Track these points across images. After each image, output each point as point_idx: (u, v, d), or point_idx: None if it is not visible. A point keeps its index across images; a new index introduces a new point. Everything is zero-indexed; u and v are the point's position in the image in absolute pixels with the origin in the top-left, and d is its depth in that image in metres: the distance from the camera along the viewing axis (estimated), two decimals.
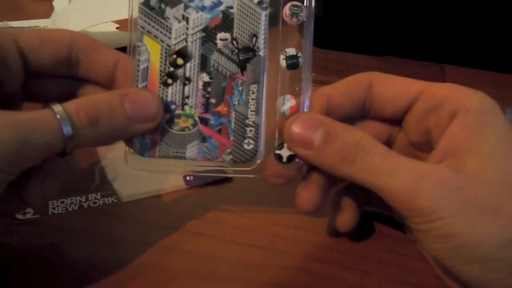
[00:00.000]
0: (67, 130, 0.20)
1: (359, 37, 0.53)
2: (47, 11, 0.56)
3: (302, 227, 0.30)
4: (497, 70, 0.51)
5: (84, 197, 0.32)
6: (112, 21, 0.61)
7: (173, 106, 0.23)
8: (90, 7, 0.50)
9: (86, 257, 0.28)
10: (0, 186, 0.20)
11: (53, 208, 0.31)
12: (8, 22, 0.57)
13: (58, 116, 0.20)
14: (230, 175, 0.34)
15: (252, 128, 0.23)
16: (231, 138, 0.23)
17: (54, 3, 0.53)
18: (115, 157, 0.36)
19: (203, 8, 0.23)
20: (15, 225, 0.30)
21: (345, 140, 0.22)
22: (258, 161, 0.24)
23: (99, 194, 0.32)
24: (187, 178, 0.34)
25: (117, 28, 0.60)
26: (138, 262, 0.28)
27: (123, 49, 0.58)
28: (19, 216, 0.30)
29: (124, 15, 0.53)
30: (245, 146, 0.23)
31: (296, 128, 0.23)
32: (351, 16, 0.53)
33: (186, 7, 0.23)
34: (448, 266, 0.22)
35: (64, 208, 0.31)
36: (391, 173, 0.21)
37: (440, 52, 0.52)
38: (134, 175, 0.34)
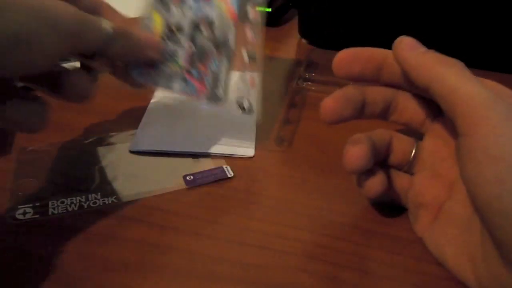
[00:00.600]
0: (108, 31, 0.28)
1: (359, 37, 0.53)
2: None
3: (302, 227, 0.30)
4: (497, 70, 0.51)
5: (84, 197, 0.32)
6: None
7: (166, 56, 0.33)
8: None
9: (86, 257, 0.28)
10: (54, 58, 0.26)
11: (53, 208, 0.31)
12: None
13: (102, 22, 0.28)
14: (230, 175, 0.34)
15: (223, 84, 0.33)
16: (207, 86, 0.33)
17: None
18: (115, 157, 0.36)
19: (195, 10, 0.34)
20: (15, 225, 0.30)
21: (443, 56, 0.27)
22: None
23: (99, 194, 0.32)
24: (187, 178, 0.34)
25: None
26: (138, 262, 0.28)
27: None
28: (19, 216, 0.30)
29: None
30: (217, 93, 0.33)
31: (404, 40, 0.28)
32: (351, 16, 0.53)
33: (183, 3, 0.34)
34: (491, 196, 0.22)
35: (64, 208, 0.31)
36: (476, 85, 0.24)
37: (440, 52, 0.52)
38: (134, 175, 0.34)
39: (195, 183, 0.33)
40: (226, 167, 0.35)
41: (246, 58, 0.35)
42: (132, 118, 0.41)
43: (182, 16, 0.34)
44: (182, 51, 0.33)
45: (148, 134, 0.38)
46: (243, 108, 0.33)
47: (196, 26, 0.34)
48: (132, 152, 0.37)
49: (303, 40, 0.58)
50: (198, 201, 0.32)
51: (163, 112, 0.41)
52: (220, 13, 0.35)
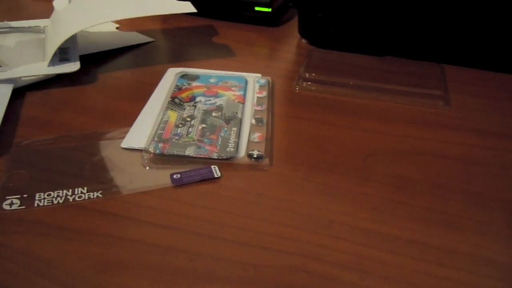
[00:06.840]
0: None
1: (359, 37, 0.53)
2: (47, 11, 0.56)
3: (302, 227, 0.30)
4: (497, 70, 0.51)
5: (70, 191, 0.33)
6: (112, 21, 0.61)
7: (181, 134, 0.38)
8: (90, 7, 0.50)
9: (85, 257, 0.28)
10: None
11: (39, 201, 0.32)
12: (8, 22, 0.57)
13: None
14: (217, 175, 0.34)
15: (232, 143, 0.37)
16: (218, 147, 0.37)
17: (54, 3, 0.53)
18: (107, 153, 0.36)
19: (205, 103, 0.43)
20: (14, 225, 0.30)
21: None
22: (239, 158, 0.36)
23: (85, 188, 0.33)
24: (174, 176, 0.34)
25: (117, 28, 0.60)
26: (138, 262, 0.28)
27: (123, 49, 0.58)
28: (6, 207, 0.31)
29: (124, 15, 0.53)
30: (227, 150, 0.37)
31: None
32: (351, 16, 0.53)
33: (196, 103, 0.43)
34: None
35: (50, 201, 0.32)
36: None
37: (440, 52, 0.52)
38: (122, 171, 0.35)
39: (181, 181, 0.34)
40: (214, 167, 0.35)
41: (254, 122, 0.41)
42: (128, 116, 0.41)
43: (194, 109, 0.42)
44: (195, 130, 0.39)
45: (141, 133, 0.39)
46: (254, 158, 0.36)
47: (206, 112, 0.41)
48: (124, 148, 0.37)
49: (303, 40, 0.58)
50: (198, 201, 0.32)
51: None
52: (228, 99, 0.43)
